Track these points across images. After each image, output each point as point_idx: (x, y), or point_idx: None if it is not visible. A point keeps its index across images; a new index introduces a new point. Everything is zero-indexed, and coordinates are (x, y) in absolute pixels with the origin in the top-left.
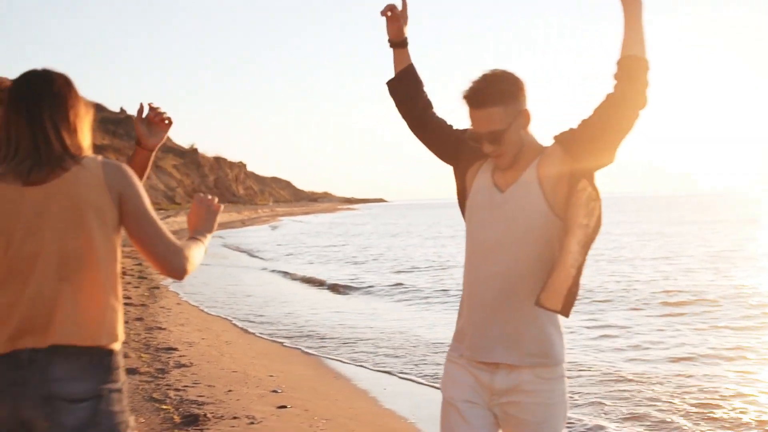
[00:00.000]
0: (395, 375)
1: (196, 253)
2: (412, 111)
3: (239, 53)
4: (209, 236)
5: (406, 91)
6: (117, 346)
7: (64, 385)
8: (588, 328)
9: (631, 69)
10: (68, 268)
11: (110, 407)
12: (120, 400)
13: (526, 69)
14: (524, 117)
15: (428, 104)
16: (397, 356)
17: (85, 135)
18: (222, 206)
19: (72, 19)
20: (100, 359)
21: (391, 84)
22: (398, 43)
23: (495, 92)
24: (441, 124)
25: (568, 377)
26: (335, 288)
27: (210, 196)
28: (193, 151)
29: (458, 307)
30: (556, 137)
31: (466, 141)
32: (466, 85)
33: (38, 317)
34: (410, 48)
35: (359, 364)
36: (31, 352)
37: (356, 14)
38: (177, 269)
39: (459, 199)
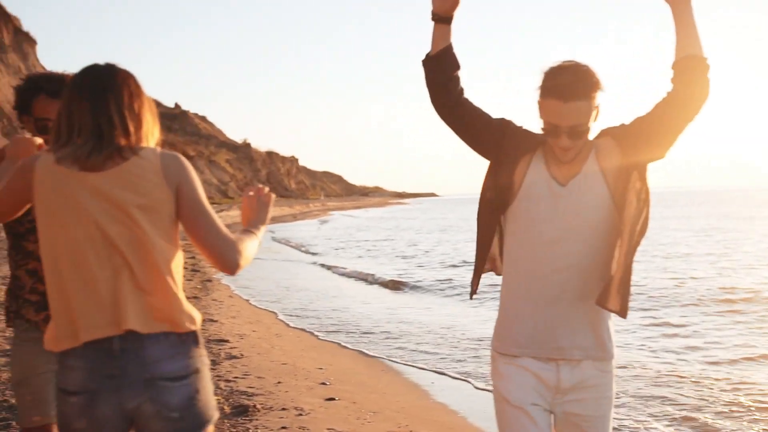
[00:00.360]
0: (446, 374)
1: (250, 247)
2: (447, 96)
3: (292, 47)
4: (263, 228)
5: (445, 73)
6: (197, 326)
7: (163, 365)
8: (643, 326)
9: (692, 69)
10: (123, 256)
11: (206, 381)
12: (209, 374)
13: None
14: (598, 112)
15: (462, 91)
16: (446, 352)
17: (150, 127)
18: (273, 195)
19: (127, 16)
20: (187, 337)
21: (428, 63)
22: (445, 18)
23: (585, 86)
24: (479, 112)
25: (621, 375)
26: (387, 283)
27: (260, 186)
28: (246, 146)
29: (501, 304)
30: (606, 131)
31: (509, 132)
32: (551, 77)
33: (105, 305)
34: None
35: (407, 360)
36: (120, 341)
37: (408, 3)
38: (230, 264)
39: (499, 193)
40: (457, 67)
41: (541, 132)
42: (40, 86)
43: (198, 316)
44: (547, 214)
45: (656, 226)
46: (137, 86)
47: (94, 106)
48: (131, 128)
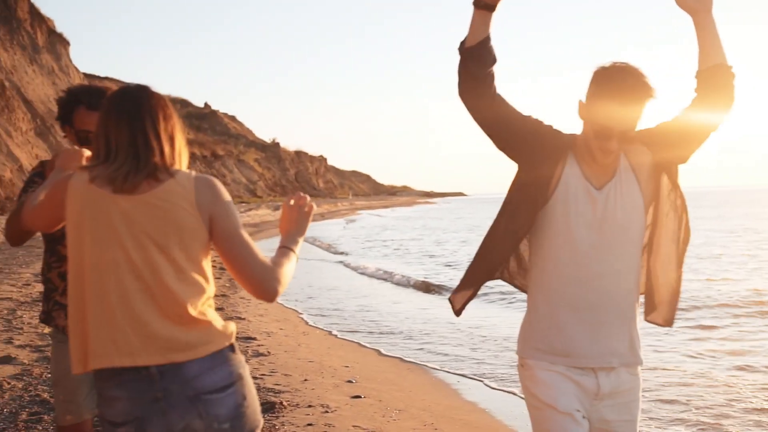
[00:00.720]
0: (469, 377)
1: (288, 271)
2: (481, 90)
3: (321, 49)
4: (301, 240)
5: (483, 67)
6: (232, 340)
7: (205, 378)
8: (678, 329)
9: (717, 78)
10: (146, 284)
11: (251, 386)
12: (251, 378)
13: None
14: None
15: (495, 86)
16: (472, 352)
17: (183, 150)
18: (315, 206)
19: (159, 16)
20: (223, 349)
21: (466, 54)
22: (490, 5)
23: (643, 91)
24: (511, 109)
25: (649, 378)
26: (418, 285)
27: (302, 194)
28: (275, 145)
29: (532, 309)
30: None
31: (541, 131)
32: (607, 78)
33: (120, 333)
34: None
35: (432, 361)
36: (157, 366)
37: (441, 7)
38: (268, 292)
39: (530, 195)
40: (494, 60)
41: (580, 132)
42: (79, 99)
43: (232, 328)
44: (585, 219)
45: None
46: (170, 108)
47: (131, 127)
48: (166, 149)
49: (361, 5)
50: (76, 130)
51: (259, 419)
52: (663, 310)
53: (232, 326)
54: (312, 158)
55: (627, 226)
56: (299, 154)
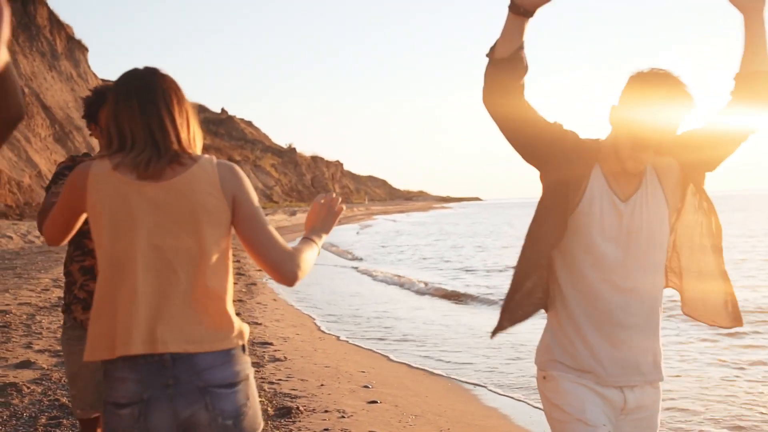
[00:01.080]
0: (486, 387)
1: (308, 258)
2: (509, 100)
3: (336, 53)
4: (324, 237)
5: (515, 78)
6: (245, 340)
7: (216, 372)
8: (700, 335)
9: (758, 84)
10: (175, 272)
11: (254, 388)
12: (254, 381)
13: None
14: None
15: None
16: (486, 360)
17: (197, 133)
18: (344, 207)
19: (176, 23)
20: (237, 345)
21: (499, 65)
22: (529, 10)
23: (684, 101)
24: (536, 116)
25: (670, 389)
26: (433, 290)
27: (334, 195)
28: (291, 151)
29: (555, 324)
30: None
31: (567, 138)
32: (646, 86)
33: (147, 322)
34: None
35: (447, 368)
36: (171, 353)
37: (454, 9)
38: (288, 275)
39: (560, 197)
40: (527, 69)
41: (606, 137)
42: (106, 96)
43: (246, 330)
44: (612, 232)
45: None
46: (181, 90)
47: (144, 112)
48: (182, 134)
49: (378, 8)
50: (101, 127)
51: (259, 422)
52: (720, 313)
53: (247, 328)
54: (328, 163)
55: (653, 240)
56: (315, 159)
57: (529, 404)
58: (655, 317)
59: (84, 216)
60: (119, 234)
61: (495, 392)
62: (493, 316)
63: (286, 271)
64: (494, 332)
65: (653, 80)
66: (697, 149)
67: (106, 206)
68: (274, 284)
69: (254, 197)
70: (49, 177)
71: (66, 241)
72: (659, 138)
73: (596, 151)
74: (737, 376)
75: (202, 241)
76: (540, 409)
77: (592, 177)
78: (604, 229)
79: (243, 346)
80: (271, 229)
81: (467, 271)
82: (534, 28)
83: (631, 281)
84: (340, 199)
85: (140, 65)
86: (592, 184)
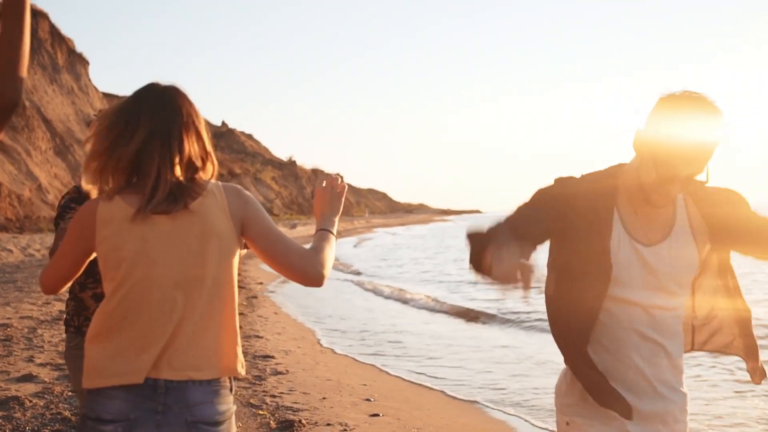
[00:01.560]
0: (483, 404)
1: (329, 254)
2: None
3: (337, 66)
4: (336, 220)
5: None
6: (244, 371)
7: (205, 409)
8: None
9: None
10: (187, 300)
11: (234, 425)
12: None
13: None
14: None
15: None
16: (488, 375)
17: (212, 157)
18: (346, 185)
19: (176, 36)
20: (226, 383)
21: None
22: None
23: (719, 132)
24: (548, 220)
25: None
26: (433, 305)
27: (334, 175)
28: (292, 164)
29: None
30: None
31: (575, 205)
32: (680, 111)
33: (165, 348)
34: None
35: (449, 383)
36: (166, 381)
37: (455, 23)
38: (315, 278)
39: (593, 267)
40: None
41: (634, 168)
42: None
43: (241, 366)
44: (639, 281)
45: None
46: (197, 112)
47: (159, 146)
48: (197, 163)
49: (379, 21)
50: None
51: None
52: (737, 342)
53: (243, 363)
54: (328, 176)
55: (680, 284)
56: (316, 172)
57: (528, 422)
58: (679, 361)
59: (91, 257)
60: (133, 266)
61: (496, 407)
62: (494, 331)
63: (311, 274)
64: None
65: (686, 104)
66: (734, 238)
67: (118, 240)
68: (275, 297)
69: (263, 212)
70: (49, 190)
71: (64, 289)
72: (689, 170)
73: (612, 193)
74: (756, 405)
75: (214, 270)
76: (540, 427)
77: (614, 235)
78: (630, 283)
79: (232, 383)
80: (286, 237)
81: (469, 284)
82: (553, 34)
83: (657, 332)
84: (340, 178)
85: (141, 79)
86: (615, 245)
